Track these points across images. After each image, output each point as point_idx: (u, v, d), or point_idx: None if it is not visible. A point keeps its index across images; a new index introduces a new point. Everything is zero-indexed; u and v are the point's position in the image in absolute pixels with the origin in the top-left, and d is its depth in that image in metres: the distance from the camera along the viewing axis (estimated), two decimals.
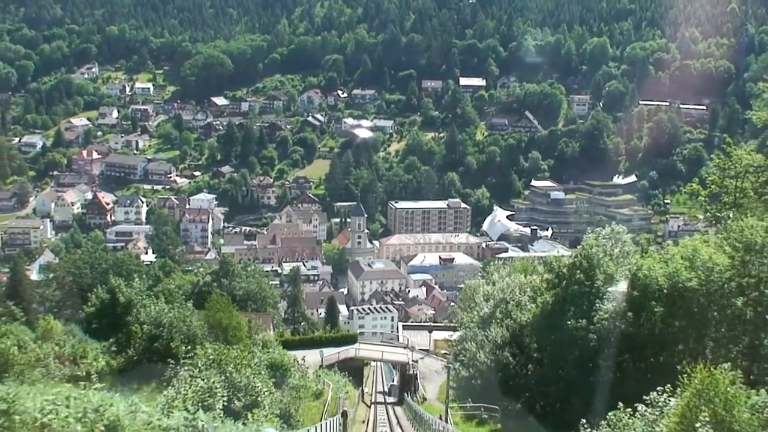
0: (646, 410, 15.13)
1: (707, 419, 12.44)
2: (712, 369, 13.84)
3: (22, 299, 79.73)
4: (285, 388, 25.23)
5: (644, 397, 15.58)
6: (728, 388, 13.42)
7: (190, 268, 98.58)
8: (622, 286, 25.86)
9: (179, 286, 71.87)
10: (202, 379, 16.38)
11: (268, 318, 61.84)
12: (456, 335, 50.12)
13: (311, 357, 50.52)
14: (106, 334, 42.38)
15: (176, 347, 27.41)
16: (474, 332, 40.37)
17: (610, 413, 16.41)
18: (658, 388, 15.39)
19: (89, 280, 75.76)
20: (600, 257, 28.85)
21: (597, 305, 26.28)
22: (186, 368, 19.64)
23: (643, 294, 23.98)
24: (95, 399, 11.05)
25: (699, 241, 25.25)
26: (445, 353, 48.39)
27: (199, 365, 19.22)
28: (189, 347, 27.47)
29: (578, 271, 29.09)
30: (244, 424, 13.11)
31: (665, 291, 23.26)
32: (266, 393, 19.46)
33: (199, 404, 13.95)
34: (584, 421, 17.26)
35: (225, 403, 15.62)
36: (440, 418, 32.28)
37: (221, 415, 13.92)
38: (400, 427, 39.06)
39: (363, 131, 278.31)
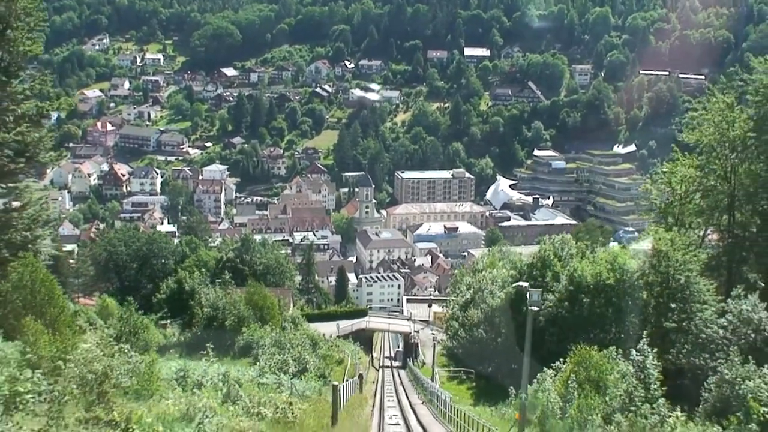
0: (551, 373, 23.66)
1: (575, 380, 20.78)
2: (588, 347, 22.26)
3: (60, 274, 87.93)
4: (317, 357, 33.70)
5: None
6: (599, 360, 21.74)
7: (213, 244, 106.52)
8: (563, 282, 34.37)
9: (205, 262, 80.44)
10: (278, 354, 24.88)
11: (288, 293, 70.21)
12: (447, 314, 59.24)
13: (330, 328, 59.51)
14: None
15: (229, 325, 35.79)
16: (457, 313, 49.61)
17: (538, 375, 24.88)
18: (560, 359, 23.88)
19: (124, 257, 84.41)
20: (551, 259, 37.37)
21: (545, 295, 34.81)
22: (261, 347, 28.22)
23: (577, 288, 32.48)
24: (222, 368, 19.47)
25: (619, 249, 33.63)
26: (432, 333, 57.60)
27: (266, 344, 27.74)
28: (239, 325, 35.97)
29: (534, 269, 37.69)
30: (307, 382, 21.62)
31: (591, 286, 31.74)
32: (311, 362, 27.91)
33: (280, 370, 22.28)
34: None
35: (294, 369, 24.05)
36: (431, 379, 41.30)
37: (290, 377, 22.36)
38: (403, 386, 47.77)
39: (372, 95, 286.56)
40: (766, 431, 15.45)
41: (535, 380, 24.95)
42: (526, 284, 22.46)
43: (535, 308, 21.10)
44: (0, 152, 30.72)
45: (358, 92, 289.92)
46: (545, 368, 25.47)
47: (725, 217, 40.10)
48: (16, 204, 31.77)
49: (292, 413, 14.92)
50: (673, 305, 31.10)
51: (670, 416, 15.81)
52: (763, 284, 37.69)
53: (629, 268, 31.69)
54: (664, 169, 45.68)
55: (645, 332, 30.46)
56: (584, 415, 17.51)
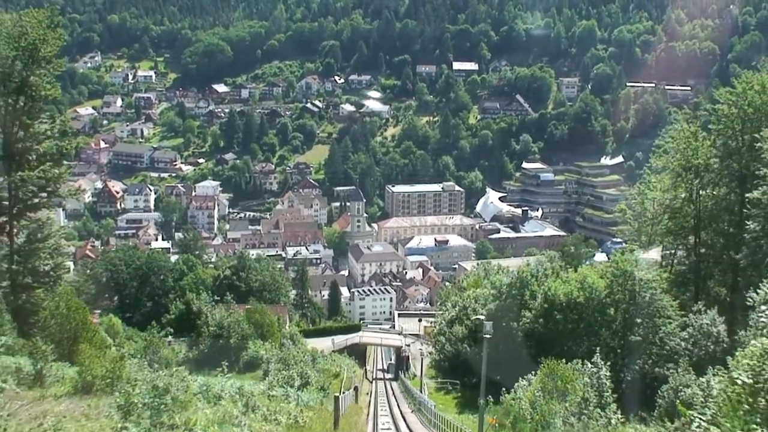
0: (524, 383, 26.81)
1: (543, 389, 23.92)
2: (556, 360, 25.41)
3: None
4: (317, 371, 36.73)
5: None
6: (566, 371, 24.86)
7: (210, 260, 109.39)
8: (539, 300, 37.66)
9: (203, 280, 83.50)
10: (286, 370, 28.01)
11: (285, 309, 73.30)
12: (435, 329, 62.74)
13: (325, 343, 62.69)
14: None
15: (234, 343, 38.81)
16: (444, 329, 53.16)
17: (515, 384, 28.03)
18: (533, 371, 27.06)
19: (125, 275, 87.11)
20: (528, 279, 40.73)
21: (523, 312, 38.14)
22: (268, 363, 31.29)
23: (551, 305, 35.78)
24: (237, 383, 22.47)
25: (589, 269, 36.93)
26: (420, 349, 61.04)
27: (272, 361, 30.81)
28: (243, 342, 38.98)
29: (513, 289, 41.04)
30: (310, 394, 24.73)
31: (564, 304, 35.05)
32: (312, 376, 31.00)
33: (286, 384, 25.33)
34: (504, 388, 28.88)
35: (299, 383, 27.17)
36: (420, 390, 44.60)
37: (296, 390, 25.43)
38: (395, 397, 51.04)
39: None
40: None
41: (512, 389, 28.11)
42: (482, 317, 25.58)
43: (488, 336, 24.19)
44: (25, 188, 33.81)
45: (348, 107, 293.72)
46: (521, 378, 28.66)
47: (691, 237, 43.37)
48: (38, 235, 34.64)
49: (302, 419, 17.96)
50: (639, 320, 34.34)
51: (612, 419, 18.91)
52: (728, 298, 41.01)
53: (597, 287, 35.05)
54: (636, 191, 48.96)
55: (614, 345, 33.85)
56: (547, 419, 20.58)
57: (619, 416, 19.29)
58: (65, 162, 36.59)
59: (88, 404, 14.41)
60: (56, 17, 35.79)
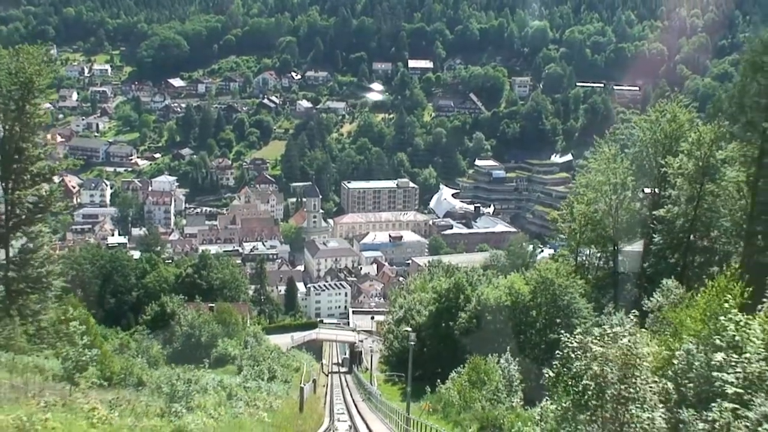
0: (455, 375, 32.20)
1: (468, 380, 29.26)
2: (486, 356, 30.80)
3: None
4: (281, 366, 41.78)
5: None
6: (487, 365, 30.25)
7: (168, 258, 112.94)
8: (473, 304, 43.20)
9: (165, 278, 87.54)
10: (258, 365, 33.04)
11: (246, 307, 77.89)
12: (385, 327, 68.40)
13: (285, 340, 67.70)
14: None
15: (205, 341, 43.55)
16: (393, 328, 58.80)
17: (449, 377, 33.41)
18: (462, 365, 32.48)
19: (89, 273, 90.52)
20: (463, 285, 46.35)
21: (459, 314, 43.69)
22: (239, 361, 36.32)
23: (483, 309, 41.32)
24: (217, 377, 27.37)
25: (517, 277, 42.53)
26: (370, 347, 66.56)
27: (244, 358, 35.82)
28: (212, 341, 43.74)
29: (450, 293, 46.58)
30: (277, 385, 29.88)
31: (493, 307, 40.59)
32: (278, 370, 36.07)
33: (258, 377, 30.28)
34: (439, 380, 34.23)
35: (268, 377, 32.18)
36: (370, 382, 50.11)
37: (266, 382, 30.46)
38: (348, 388, 56.29)
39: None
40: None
41: (447, 381, 33.49)
42: (409, 329, 30.82)
43: (413, 342, 29.43)
44: (21, 205, 38.14)
45: (305, 103, 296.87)
46: (454, 371, 34.07)
47: (610, 246, 49.17)
48: (31, 246, 38.94)
49: (276, 405, 22.89)
50: (558, 320, 39.90)
51: (515, 402, 24.25)
52: (644, 299, 46.83)
53: (523, 293, 40.68)
54: (565, 203, 54.67)
55: (537, 342, 39.40)
56: (469, 404, 25.82)
57: (521, 401, 24.65)
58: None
59: (117, 394, 19.15)
60: (49, 53, 39.97)
